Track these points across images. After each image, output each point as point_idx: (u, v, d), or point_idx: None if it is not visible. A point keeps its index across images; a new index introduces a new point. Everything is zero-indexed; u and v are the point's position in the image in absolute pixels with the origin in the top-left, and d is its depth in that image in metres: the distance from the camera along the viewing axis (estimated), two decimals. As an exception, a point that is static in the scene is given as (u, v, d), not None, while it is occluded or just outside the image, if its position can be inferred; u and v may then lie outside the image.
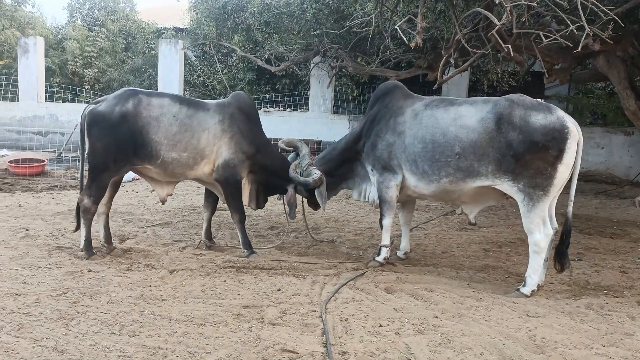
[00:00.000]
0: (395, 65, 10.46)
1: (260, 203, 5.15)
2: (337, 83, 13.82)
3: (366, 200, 4.88)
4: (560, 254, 4.01)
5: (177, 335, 3.08)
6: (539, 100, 4.05)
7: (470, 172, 4.08)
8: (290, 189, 4.97)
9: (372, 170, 4.67)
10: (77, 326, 3.15)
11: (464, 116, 4.13)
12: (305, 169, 4.79)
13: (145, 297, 3.66)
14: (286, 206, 5.04)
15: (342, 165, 4.93)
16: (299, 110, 13.89)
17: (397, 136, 4.43)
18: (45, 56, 15.35)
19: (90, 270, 4.21)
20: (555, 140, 3.80)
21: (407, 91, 4.71)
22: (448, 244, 5.62)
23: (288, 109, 13.97)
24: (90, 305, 3.49)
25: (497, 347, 3.04)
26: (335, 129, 12.90)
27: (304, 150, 4.96)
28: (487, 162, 4.00)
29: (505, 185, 3.98)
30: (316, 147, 12.28)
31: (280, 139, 5.24)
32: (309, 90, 13.67)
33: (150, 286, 3.90)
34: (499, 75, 12.99)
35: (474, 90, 13.51)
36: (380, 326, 3.30)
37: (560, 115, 3.87)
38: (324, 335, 3.14)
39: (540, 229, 3.93)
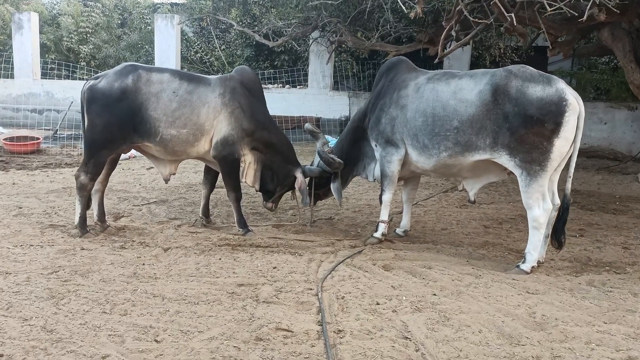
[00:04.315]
0: (396, 40, 10.24)
1: (268, 187, 4.91)
2: (336, 59, 13.59)
3: (375, 178, 4.79)
4: (557, 231, 3.92)
5: (170, 314, 3.02)
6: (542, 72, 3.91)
7: (469, 146, 3.99)
8: (299, 175, 4.83)
9: (375, 145, 4.60)
10: (67, 305, 3.09)
11: (463, 89, 4.03)
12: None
13: (138, 276, 3.60)
14: (297, 193, 4.91)
15: (353, 148, 4.89)
16: (298, 86, 13.69)
17: (399, 110, 4.35)
18: (40, 32, 15.08)
19: (83, 249, 4.15)
20: (552, 114, 3.68)
21: (412, 65, 4.61)
22: (448, 220, 5.55)
23: (287, 86, 13.76)
24: (82, 284, 3.42)
25: (496, 325, 2.98)
26: (335, 106, 12.74)
27: (323, 139, 4.86)
28: (485, 135, 3.90)
29: (503, 159, 3.88)
30: (315, 123, 12.15)
31: (278, 117, 5.13)
32: (308, 66, 13.44)
33: (143, 264, 3.83)
34: (502, 51, 12.76)
35: (475, 65, 13.27)
36: (377, 304, 3.24)
37: (560, 88, 3.74)
38: (320, 313, 3.08)
39: (539, 204, 3.84)
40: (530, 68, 3.90)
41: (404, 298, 3.34)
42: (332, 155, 4.67)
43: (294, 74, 13.60)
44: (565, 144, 3.72)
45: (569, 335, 2.88)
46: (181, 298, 3.25)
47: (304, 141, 10.70)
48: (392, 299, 3.32)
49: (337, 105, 12.75)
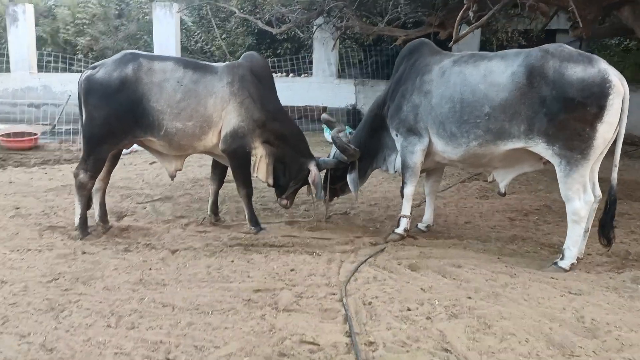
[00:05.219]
0: (403, 25, 9.87)
1: (281, 181, 4.59)
2: (341, 46, 13.20)
3: (396, 170, 4.47)
4: (605, 226, 3.60)
5: (181, 326, 2.74)
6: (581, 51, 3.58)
7: (501, 134, 3.67)
8: (313, 168, 4.50)
9: (396, 135, 4.27)
10: (68, 318, 2.81)
11: (494, 72, 3.70)
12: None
13: (144, 282, 3.31)
14: (312, 187, 4.57)
15: (372, 138, 4.57)
16: (302, 75, 13.31)
17: (423, 96, 4.01)
18: (36, 24, 14.69)
19: (85, 252, 3.85)
20: (595, 97, 3.36)
21: (436, 48, 4.27)
22: (470, 213, 5.24)
23: (291, 74, 13.38)
24: (84, 292, 3.14)
25: (543, 332, 2.69)
26: (340, 94, 12.38)
27: (340, 126, 4.56)
28: (519, 121, 3.58)
29: (540, 148, 3.57)
30: (322, 112, 11.81)
31: (283, 106, 4.77)
32: (312, 54, 13.07)
33: (150, 269, 3.54)
34: (509, 35, 12.36)
35: (484, 50, 12.90)
36: (409, 310, 2.95)
37: (603, 68, 3.42)
38: (347, 322, 2.79)
39: (579, 196, 3.54)
40: (569, 47, 3.58)
41: (436, 302, 3.04)
42: (347, 143, 4.36)
43: (297, 62, 13.22)
44: (609, 129, 3.41)
45: (625, 343, 2.60)
46: (193, 307, 2.96)
47: (311, 131, 10.35)
48: (424, 304, 3.02)
49: (344, 94, 12.39)
